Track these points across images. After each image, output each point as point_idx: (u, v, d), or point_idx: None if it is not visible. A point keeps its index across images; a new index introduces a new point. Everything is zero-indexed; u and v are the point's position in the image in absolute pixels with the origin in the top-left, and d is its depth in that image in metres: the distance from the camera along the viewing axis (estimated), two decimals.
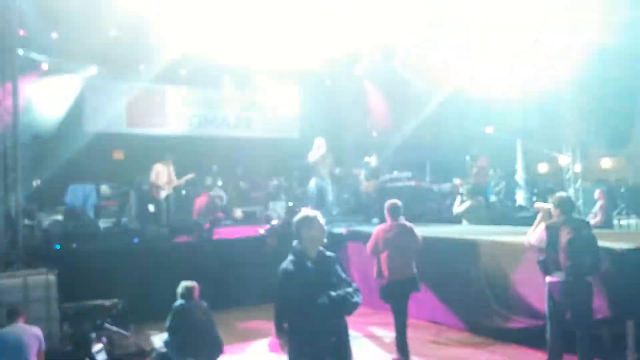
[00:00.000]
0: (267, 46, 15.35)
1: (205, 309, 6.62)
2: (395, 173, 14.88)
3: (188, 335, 6.33)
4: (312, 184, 11.95)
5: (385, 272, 6.84)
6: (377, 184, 13.86)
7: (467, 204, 10.84)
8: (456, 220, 11.35)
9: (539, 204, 6.81)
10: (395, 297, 6.85)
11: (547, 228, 6.05)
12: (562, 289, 5.90)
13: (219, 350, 6.55)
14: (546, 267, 6.07)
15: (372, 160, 14.35)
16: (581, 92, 14.32)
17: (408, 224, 7.15)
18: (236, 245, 10.70)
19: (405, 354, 6.73)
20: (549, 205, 6.34)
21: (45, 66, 14.33)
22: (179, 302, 6.41)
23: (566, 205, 6.17)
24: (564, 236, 5.78)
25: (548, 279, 6.07)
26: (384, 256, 6.86)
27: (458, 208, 11.03)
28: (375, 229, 7.22)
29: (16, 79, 9.20)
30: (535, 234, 6.28)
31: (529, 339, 6.98)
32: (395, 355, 6.85)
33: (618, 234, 10.17)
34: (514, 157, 18.17)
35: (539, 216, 6.41)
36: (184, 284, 6.62)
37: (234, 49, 14.96)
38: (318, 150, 11.79)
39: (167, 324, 6.35)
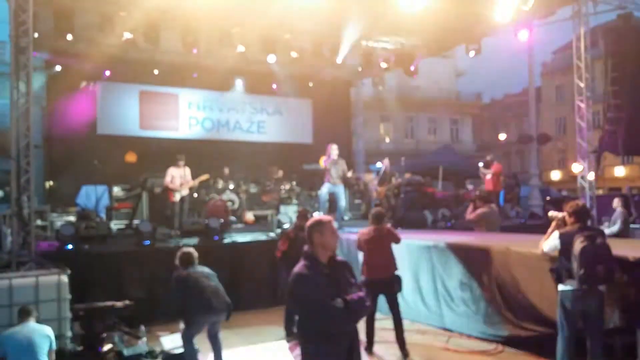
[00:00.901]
0: (281, 51, 15.48)
1: (207, 274, 6.67)
2: (408, 176, 14.87)
3: (193, 300, 6.39)
4: (324, 189, 11.91)
5: (365, 271, 7.38)
6: (387, 188, 13.86)
7: (480, 210, 10.77)
8: (468, 227, 11.29)
9: (553, 213, 6.73)
10: (372, 295, 6.99)
11: (561, 236, 5.98)
12: (574, 298, 5.82)
13: (226, 312, 6.61)
14: (558, 275, 5.99)
15: (385, 165, 14.32)
16: (596, 100, 14.29)
17: (387, 227, 7.89)
18: (247, 249, 10.72)
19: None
20: (562, 214, 6.28)
21: (58, 68, 14.49)
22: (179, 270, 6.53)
23: (581, 214, 6.07)
24: (578, 244, 5.68)
25: (560, 287, 5.99)
26: (364, 256, 7.41)
27: (470, 215, 10.97)
28: (358, 232, 7.92)
29: (30, 80, 9.28)
30: (548, 242, 6.22)
31: (538, 346, 6.91)
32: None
33: (634, 242, 10.05)
34: (526, 164, 18.08)
35: (553, 224, 6.35)
36: (182, 250, 6.74)
37: (246, 53, 15.09)
38: (330, 155, 11.76)
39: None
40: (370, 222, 7.80)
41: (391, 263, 7.46)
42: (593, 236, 5.81)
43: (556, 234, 6.08)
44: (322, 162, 12.14)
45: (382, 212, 8.04)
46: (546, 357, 6.70)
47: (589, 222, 6.33)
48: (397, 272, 7.45)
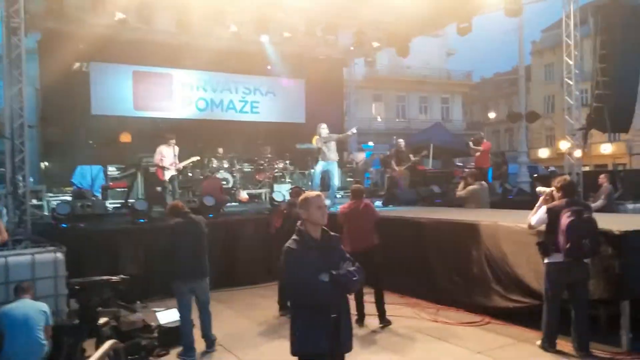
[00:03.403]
0: (274, 31, 15.47)
1: (193, 226, 6.80)
2: (425, 152, 15.09)
3: (179, 255, 6.61)
4: (318, 167, 12.10)
5: (347, 244, 7.28)
6: (406, 167, 14.11)
7: (471, 187, 10.93)
8: (458, 203, 11.45)
9: (540, 188, 6.90)
10: None
11: (548, 210, 6.16)
12: (560, 270, 6.01)
13: (202, 278, 6.79)
14: (545, 249, 6.17)
15: (400, 144, 14.40)
16: (584, 78, 14.41)
17: (366, 202, 8.07)
18: (241, 226, 10.85)
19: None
20: (550, 189, 6.44)
21: (51, 49, 14.43)
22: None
23: (568, 188, 6.26)
24: (565, 219, 5.85)
25: (547, 260, 6.18)
26: (345, 230, 7.54)
27: (461, 192, 11.14)
28: (339, 208, 8.28)
29: (22, 61, 9.32)
30: (536, 216, 6.39)
31: (524, 318, 7.12)
32: None
33: (618, 216, 10.26)
34: (515, 142, 18.25)
35: (541, 200, 6.51)
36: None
37: (239, 32, 15.08)
38: (321, 134, 11.92)
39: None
40: (351, 197, 8.14)
41: (370, 235, 7.69)
42: (580, 211, 5.97)
43: (544, 208, 6.26)
44: (315, 141, 12.30)
45: (361, 188, 8.40)
46: (532, 327, 6.92)
47: (576, 197, 6.50)
48: (376, 244, 7.69)
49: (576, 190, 7.22)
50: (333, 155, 12.08)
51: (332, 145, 12.06)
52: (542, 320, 6.33)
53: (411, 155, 14.93)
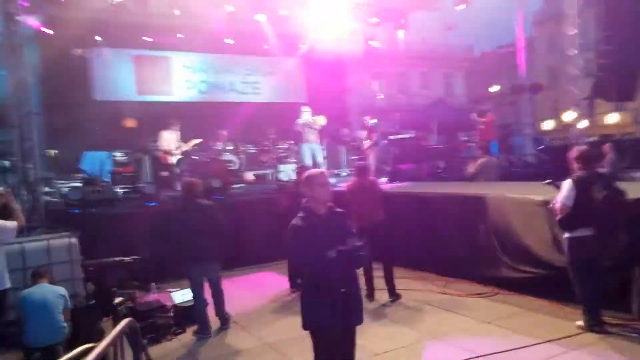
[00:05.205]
0: (270, 10, 15.38)
1: (203, 213, 6.85)
2: None
3: (184, 238, 6.68)
4: (304, 148, 12.92)
5: (353, 220, 7.40)
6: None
7: (480, 160, 10.91)
8: (466, 178, 11.42)
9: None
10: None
11: (576, 183, 5.76)
12: (585, 244, 5.70)
13: (209, 261, 6.87)
14: (570, 224, 5.82)
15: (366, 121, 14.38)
16: (588, 48, 14.33)
17: (371, 178, 8.34)
18: (250, 206, 10.97)
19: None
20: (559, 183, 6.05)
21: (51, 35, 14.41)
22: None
23: (586, 158, 5.96)
24: (597, 193, 5.58)
25: (569, 234, 5.87)
26: (352, 207, 7.43)
27: (471, 168, 11.06)
28: (345, 185, 8.47)
29: (21, 49, 9.34)
30: (562, 193, 5.87)
31: (532, 287, 7.21)
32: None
33: (625, 185, 10.26)
34: (519, 114, 18.23)
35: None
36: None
37: (236, 12, 15.00)
38: (304, 117, 12.75)
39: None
40: (356, 174, 8.29)
41: (376, 211, 7.75)
42: (609, 183, 5.77)
43: (569, 182, 5.85)
44: (297, 124, 13.09)
45: (366, 165, 8.64)
46: (539, 296, 7.07)
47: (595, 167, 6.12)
48: (382, 220, 7.74)
49: (595, 160, 6.61)
50: (313, 137, 13.03)
51: (315, 126, 12.99)
52: (577, 296, 5.98)
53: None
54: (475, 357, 5.43)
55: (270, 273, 9.97)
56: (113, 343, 3.67)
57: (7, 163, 10.41)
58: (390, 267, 7.80)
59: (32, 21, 13.14)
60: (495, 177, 11.03)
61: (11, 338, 6.30)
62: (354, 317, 4.11)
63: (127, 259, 7.50)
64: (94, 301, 6.95)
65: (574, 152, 6.13)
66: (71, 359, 4.07)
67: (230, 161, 14.21)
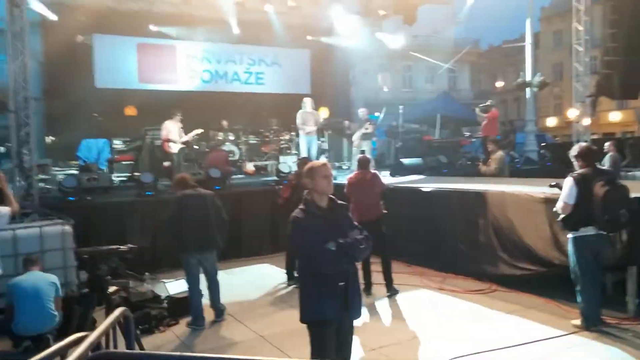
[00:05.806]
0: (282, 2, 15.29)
1: (200, 200, 6.80)
2: None
3: (185, 227, 6.60)
4: (302, 140, 12.99)
5: (354, 214, 7.34)
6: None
7: (497, 155, 10.78)
8: (469, 173, 11.27)
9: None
10: None
11: (577, 181, 5.61)
12: (588, 243, 5.62)
13: (209, 249, 6.82)
14: (573, 223, 5.68)
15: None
16: (594, 45, 14.18)
17: (372, 171, 8.18)
18: (249, 197, 10.87)
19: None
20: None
21: (54, 21, 14.34)
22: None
23: (587, 155, 5.83)
24: (599, 189, 5.43)
25: (572, 234, 5.75)
26: (352, 200, 7.48)
27: (488, 167, 10.86)
28: (346, 178, 8.29)
29: (25, 33, 9.25)
30: (563, 192, 5.72)
31: (530, 285, 7.16)
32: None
33: (626, 183, 10.18)
34: (523, 110, 18.08)
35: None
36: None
37: (244, 2, 14.91)
38: (304, 107, 12.76)
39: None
40: (357, 167, 8.22)
41: (377, 205, 7.72)
42: (612, 179, 5.66)
43: (570, 180, 5.69)
44: (298, 116, 13.00)
45: (368, 158, 8.42)
46: (537, 294, 7.01)
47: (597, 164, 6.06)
48: (383, 214, 7.69)
49: (597, 157, 6.55)
50: (310, 129, 12.99)
51: (314, 118, 12.93)
52: (582, 298, 5.82)
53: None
54: (471, 353, 5.35)
55: (266, 265, 9.89)
56: (106, 332, 3.57)
57: (1, 149, 10.34)
58: (389, 261, 7.73)
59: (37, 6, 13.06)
60: (507, 173, 10.93)
61: None
62: (353, 310, 4.05)
63: (122, 247, 7.40)
64: (87, 290, 6.85)
65: (574, 150, 6.04)
66: (62, 348, 3.98)
67: (230, 151, 14.13)
